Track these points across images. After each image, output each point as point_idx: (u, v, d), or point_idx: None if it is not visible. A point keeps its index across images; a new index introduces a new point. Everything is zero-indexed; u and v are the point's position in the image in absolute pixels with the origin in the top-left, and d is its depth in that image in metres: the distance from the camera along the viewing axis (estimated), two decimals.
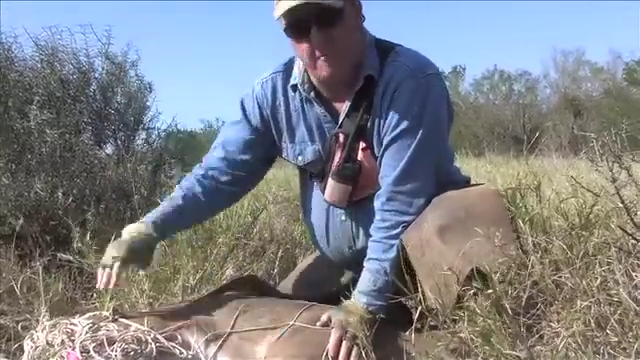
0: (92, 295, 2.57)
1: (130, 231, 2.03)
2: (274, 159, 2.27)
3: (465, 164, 8.14)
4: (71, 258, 2.58)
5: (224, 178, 2.17)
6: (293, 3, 1.79)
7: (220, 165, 2.17)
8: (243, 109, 2.16)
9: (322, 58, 1.90)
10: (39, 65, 3.85)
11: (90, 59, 4.04)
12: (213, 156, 2.19)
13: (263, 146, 2.17)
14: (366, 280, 1.89)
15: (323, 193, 2.08)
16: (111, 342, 1.73)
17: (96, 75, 4.07)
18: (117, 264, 1.92)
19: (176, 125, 4.59)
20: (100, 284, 1.93)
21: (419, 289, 1.72)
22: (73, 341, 1.73)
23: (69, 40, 3.98)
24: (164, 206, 2.13)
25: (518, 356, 1.46)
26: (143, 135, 4.25)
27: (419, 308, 1.64)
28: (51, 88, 3.67)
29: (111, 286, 1.91)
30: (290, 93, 2.07)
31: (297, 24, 1.87)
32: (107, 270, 1.93)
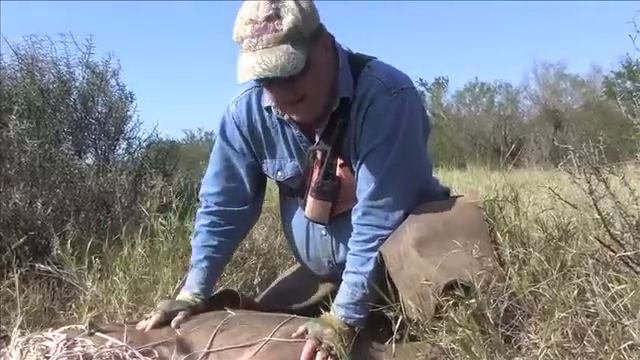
0: (70, 306, 2.54)
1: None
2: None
3: (447, 176, 8.18)
4: (50, 269, 2.55)
5: (231, 211, 2.16)
6: (251, 75, 1.71)
7: (221, 200, 2.16)
8: (224, 136, 2.13)
9: (289, 108, 1.89)
10: (19, 74, 3.84)
11: (70, 68, 4.05)
12: (210, 193, 2.18)
13: (253, 166, 2.15)
14: (344, 293, 1.89)
15: (303, 209, 2.08)
16: (87, 358, 1.69)
17: (76, 84, 4.07)
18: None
19: (157, 135, 4.57)
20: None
21: (400, 300, 1.72)
22: (48, 358, 1.69)
23: (49, 49, 3.99)
24: (195, 274, 2.13)
25: None
26: (124, 145, 4.26)
27: (400, 318, 1.64)
28: (31, 97, 3.66)
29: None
30: (265, 112, 2.05)
31: (259, 80, 1.81)
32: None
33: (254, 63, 1.70)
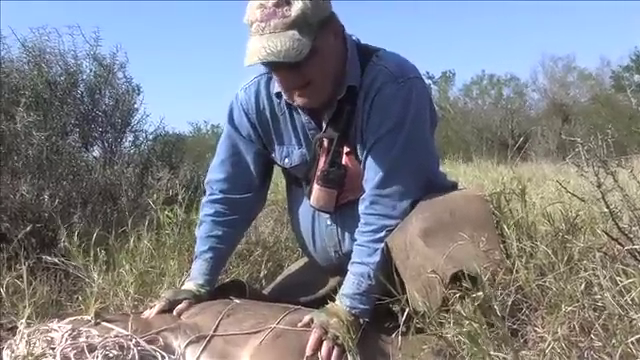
0: (77, 298, 2.55)
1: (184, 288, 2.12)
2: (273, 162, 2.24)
3: (454, 169, 8.16)
4: (57, 261, 2.56)
5: (236, 199, 2.17)
6: (255, 59, 1.75)
7: (226, 187, 2.17)
8: (232, 122, 2.14)
9: (296, 92, 1.90)
10: (26, 67, 3.84)
11: (78, 61, 4.04)
12: (215, 180, 2.19)
13: (260, 153, 2.16)
14: (350, 283, 1.88)
15: (309, 198, 2.08)
16: (92, 349, 1.69)
17: (84, 77, 4.07)
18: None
19: (164, 127, 4.57)
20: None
21: (406, 291, 1.72)
22: (54, 349, 1.70)
23: (57, 41, 3.98)
24: (199, 265, 2.15)
25: (505, 358, 1.46)
26: (130, 137, 4.26)
27: (406, 311, 1.64)
28: (38, 90, 3.66)
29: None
30: (275, 98, 2.06)
31: (266, 64, 1.85)
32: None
33: (260, 47, 1.74)
